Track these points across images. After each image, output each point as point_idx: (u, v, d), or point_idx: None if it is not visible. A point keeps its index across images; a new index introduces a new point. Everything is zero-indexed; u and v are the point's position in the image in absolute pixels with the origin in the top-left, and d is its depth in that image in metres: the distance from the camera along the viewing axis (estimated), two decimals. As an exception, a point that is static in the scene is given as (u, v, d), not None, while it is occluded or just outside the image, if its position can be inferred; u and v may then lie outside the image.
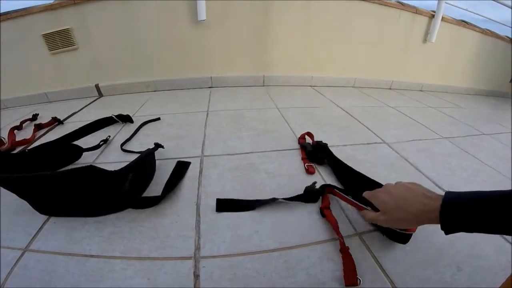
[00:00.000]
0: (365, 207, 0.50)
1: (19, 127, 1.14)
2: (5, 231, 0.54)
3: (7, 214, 0.58)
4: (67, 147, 0.76)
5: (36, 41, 1.40)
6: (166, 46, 1.50)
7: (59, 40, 1.40)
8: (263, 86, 1.69)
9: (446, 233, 0.34)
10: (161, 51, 1.51)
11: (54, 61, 1.48)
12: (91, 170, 0.49)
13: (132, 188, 0.58)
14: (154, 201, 0.59)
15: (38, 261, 0.47)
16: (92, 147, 0.83)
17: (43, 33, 1.38)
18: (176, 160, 0.76)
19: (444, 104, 1.72)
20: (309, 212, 0.59)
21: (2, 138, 1.00)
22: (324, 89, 1.74)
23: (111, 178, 0.53)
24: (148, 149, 0.72)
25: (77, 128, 0.95)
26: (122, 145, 0.87)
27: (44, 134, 1.06)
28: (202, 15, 1.37)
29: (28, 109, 1.45)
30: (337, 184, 0.69)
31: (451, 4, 1.82)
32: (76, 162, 0.78)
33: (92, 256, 0.48)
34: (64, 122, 1.17)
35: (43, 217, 0.57)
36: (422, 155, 0.90)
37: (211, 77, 1.60)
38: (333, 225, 0.52)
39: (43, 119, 1.22)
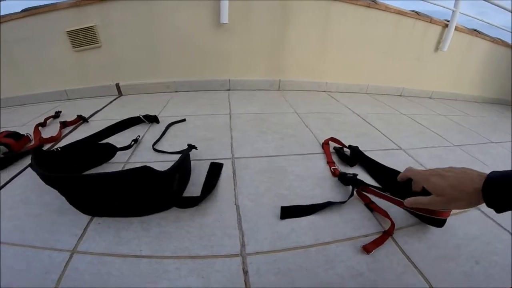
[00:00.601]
0: (401, 200, 0.54)
1: (43, 124, 1.16)
2: (50, 232, 0.54)
3: (49, 214, 0.59)
4: (101, 146, 0.78)
5: (60, 38, 1.42)
6: (187, 48, 1.53)
7: (83, 37, 1.42)
8: (278, 90, 1.73)
9: (496, 210, 0.35)
10: (182, 52, 1.54)
11: (76, 58, 1.50)
12: (147, 170, 0.51)
13: (178, 188, 0.61)
14: (196, 201, 0.61)
15: (89, 263, 0.48)
16: (124, 147, 0.85)
17: (68, 30, 1.40)
18: (209, 162, 0.79)
19: (453, 111, 1.77)
20: (339, 210, 0.62)
21: (29, 135, 1.03)
22: (338, 95, 1.77)
23: (164, 177, 0.55)
24: (185, 149, 0.74)
25: (105, 126, 0.97)
26: (153, 145, 0.89)
27: (70, 132, 1.08)
28: (225, 18, 1.40)
29: (47, 106, 1.47)
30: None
31: (465, 14, 1.86)
32: (110, 161, 0.81)
33: (143, 256, 0.49)
34: (88, 120, 1.19)
35: (87, 217, 0.58)
36: (437, 161, 0.94)
37: (229, 80, 1.63)
38: (384, 214, 0.59)
39: (65, 116, 1.25)
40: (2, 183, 0.72)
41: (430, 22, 1.81)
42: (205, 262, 0.48)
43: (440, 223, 0.56)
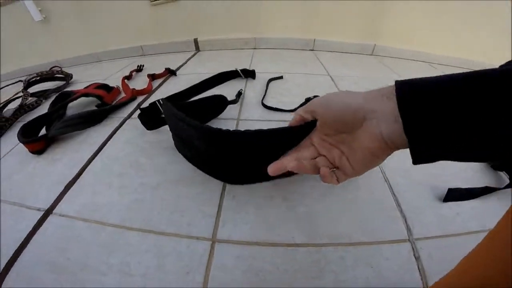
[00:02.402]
0: None
1: (129, 77, 1.13)
2: (178, 212, 0.46)
3: (168, 185, 0.50)
4: (214, 98, 0.69)
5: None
6: (271, 1, 1.35)
7: (162, -10, 1.33)
8: (372, 55, 1.46)
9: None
10: (266, 6, 1.37)
11: (154, 12, 1.43)
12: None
13: None
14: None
15: (237, 257, 0.39)
16: (232, 101, 0.75)
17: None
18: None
19: None
20: (496, 197, 0.51)
21: (118, 87, 0.99)
22: (448, 68, 1.45)
23: None
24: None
25: (197, 80, 0.86)
26: (262, 100, 0.79)
27: (161, 85, 1.03)
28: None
29: (124, 62, 1.46)
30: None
31: None
32: (220, 116, 0.72)
33: (298, 245, 0.41)
34: (177, 74, 1.13)
35: (218, 191, 0.49)
36: None
37: (314, 40, 1.43)
38: None
39: (148, 70, 1.20)
40: (101, 141, 0.65)
41: None
42: (370, 249, 0.41)
43: None
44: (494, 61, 1.37)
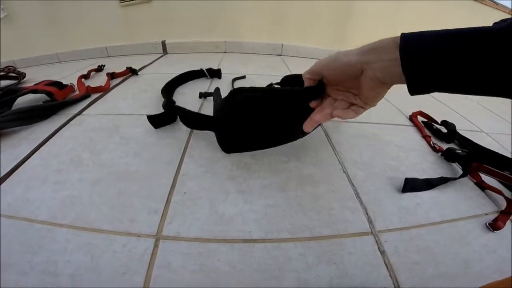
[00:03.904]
0: None
1: (86, 76, 1.07)
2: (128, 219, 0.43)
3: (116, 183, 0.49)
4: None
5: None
6: (243, 5, 1.38)
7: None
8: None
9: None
10: (237, 11, 1.39)
11: (122, 13, 1.40)
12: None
13: None
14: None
15: (185, 255, 0.36)
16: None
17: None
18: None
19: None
20: (453, 187, 0.54)
21: (72, 84, 0.93)
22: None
23: None
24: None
25: (156, 80, 0.86)
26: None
27: (120, 84, 0.99)
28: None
29: (86, 62, 1.39)
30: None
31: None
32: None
33: (255, 241, 0.39)
34: (138, 73, 1.09)
35: (167, 186, 0.46)
36: None
37: (282, 44, 1.48)
38: (499, 192, 0.53)
39: (109, 70, 1.15)
40: (44, 137, 0.60)
41: (510, 13, 1.57)
42: (332, 243, 0.39)
43: None
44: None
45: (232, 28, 1.44)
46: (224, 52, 1.47)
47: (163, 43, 1.44)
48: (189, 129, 0.62)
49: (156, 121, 0.61)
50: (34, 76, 1.18)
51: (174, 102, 0.73)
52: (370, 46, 0.30)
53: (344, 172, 0.53)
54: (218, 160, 0.53)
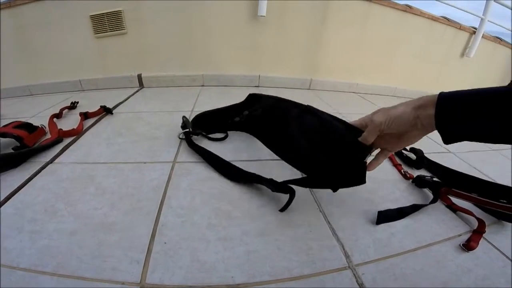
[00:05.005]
0: (496, 203, 0.53)
1: (58, 115, 1.03)
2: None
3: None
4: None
5: (82, 23, 1.31)
6: (219, 39, 1.43)
7: (107, 23, 1.31)
8: (309, 89, 1.64)
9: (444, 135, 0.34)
10: (214, 44, 1.44)
11: (97, 45, 1.39)
12: None
13: None
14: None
15: None
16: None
17: (92, 14, 1.29)
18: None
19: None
20: (425, 213, 0.58)
21: (43, 126, 0.89)
22: (369, 96, 1.69)
23: None
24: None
25: (130, 119, 0.84)
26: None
27: (93, 125, 0.96)
28: (263, 10, 1.31)
29: (59, 97, 1.35)
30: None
31: (492, 22, 1.84)
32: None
33: (238, 285, 0.39)
34: (113, 112, 1.07)
35: (146, 237, 0.46)
36: (484, 164, 0.87)
37: (259, 76, 1.54)
38: (470, 213, 0.57)
39: (83, 108, 1.12)
40: (16, 185, 0.58)
41: (460, 28, 1.79)
42: (313, 281, 0.41)
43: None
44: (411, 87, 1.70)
45: (209, 60, 1.48)
46: (202, 86, 1.50)
47: (139, 77, 1.44)
48: (166, 179, 0.62)
49: None
50: (4, 111, 1.13)
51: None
52: (417, 103, 0.37)
53: (320, 211, 0.55)
54: (197, 209, 0.53)
